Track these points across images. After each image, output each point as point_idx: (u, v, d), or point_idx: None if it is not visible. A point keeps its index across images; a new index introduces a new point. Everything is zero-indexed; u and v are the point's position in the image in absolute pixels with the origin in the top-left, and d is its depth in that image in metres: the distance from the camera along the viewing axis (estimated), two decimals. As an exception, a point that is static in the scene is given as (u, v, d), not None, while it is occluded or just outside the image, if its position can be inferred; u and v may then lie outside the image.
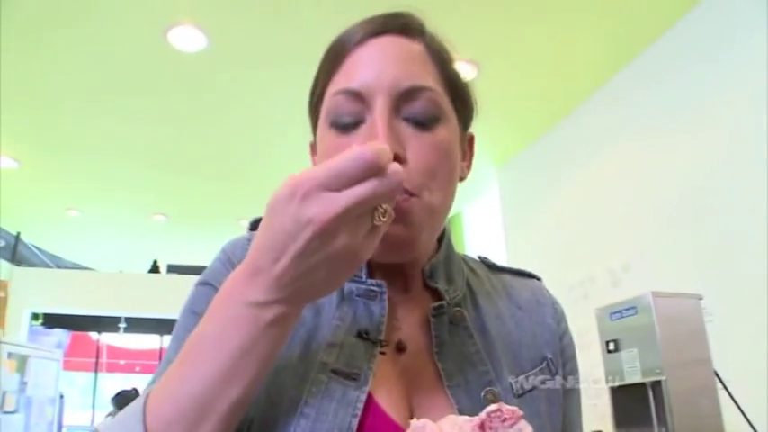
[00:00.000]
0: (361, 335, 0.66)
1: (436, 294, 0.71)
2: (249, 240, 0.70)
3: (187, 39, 3.14)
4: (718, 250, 2.90)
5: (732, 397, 2.09)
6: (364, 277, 0.68)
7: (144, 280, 7.02)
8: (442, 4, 2.96)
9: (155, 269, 7.28)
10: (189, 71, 3.48)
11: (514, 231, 4.73)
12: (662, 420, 1.91)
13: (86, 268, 7.70)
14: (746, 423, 2.12)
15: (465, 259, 0.81)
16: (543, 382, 0.71)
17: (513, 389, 0.68)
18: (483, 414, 0.51)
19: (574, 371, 0.78)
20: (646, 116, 3.44)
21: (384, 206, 0.50)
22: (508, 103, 3.93)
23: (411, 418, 0.63)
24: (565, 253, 4.05)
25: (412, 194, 0.61)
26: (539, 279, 0.85)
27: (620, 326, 2.12)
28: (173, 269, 7.23)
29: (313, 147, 0.74)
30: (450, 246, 0.76)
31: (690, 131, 3.13)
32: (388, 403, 0.63)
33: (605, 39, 3.32)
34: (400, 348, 0.68)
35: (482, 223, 5.76)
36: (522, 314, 0.77)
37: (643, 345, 2.02)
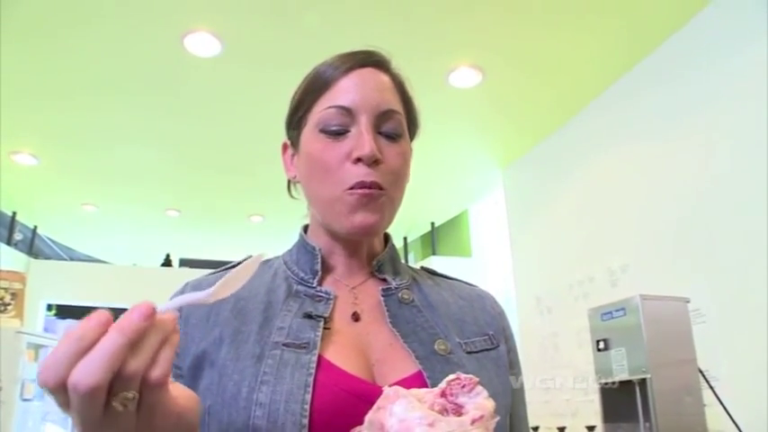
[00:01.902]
0: (308, 315, 0.78)
1: (385, 282, 0.86)
2: (184, 290, 0.84)
3: (202, 45, 3.26)
4: (713, 254, 2.96)
5: (716, 395, 2.18)
6: (315, 284, 0.83)
7: (156, 273, 7.12)
8: (446, 9, 3.05)
9: (167, 263, 7.40)
10: (204, 75, 3.60)
11: (518, 230, 4.81)
12: (647, 416, 2.02)
13: (100, 261, 7.83)
14: (731, 421, 2.21)
15: (409, 266, 0.96)
16: (487, 349, 0.84)
17: (462, 347, 0.81)
18: (443, 383, 0.53)
19: (516, 363, 0.91)
20: (648, 121, 3.50)
21: (122, 397, 0.46)
22: (513, 105, 4.01)
23: (371, 370, 0.75)
24: (566, 253, 4.13)
25: (381, 189, 0.79)
26: (477, 286, 0.99)
27: (610, 326, 2.21)
28: (184, 263, 7.34)
29: (285, 146, 0.92)
30: (394, 249, 0.92)
31: (692, 136, 3.18)
32: (344, 362, 0.74)
33: (610, 43, 3.38)
34: (356, 319, 0.81)
35: (487, 222, 5.83)
36: (464, 302, 0.91)
37: (631, 344, 2.12)
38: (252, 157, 4.81)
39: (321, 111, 0.82)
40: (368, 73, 0.84)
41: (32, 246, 6.50)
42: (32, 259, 6.32)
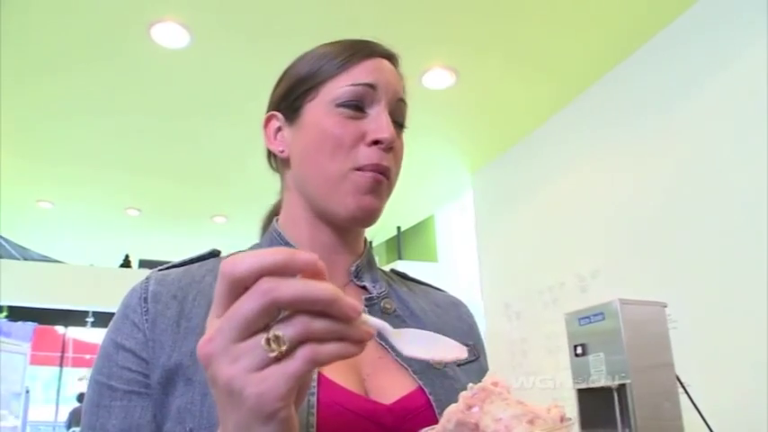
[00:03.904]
0: None
1: (365, 290, 0.83)
2: (147, 284, 0.75)
3: (170, 36, 3.15)
4: (681, 260, 2.99)
5: (692, 401, 2.17)
6: None
7: (114, 274, 6.96)
8: (423, 12, 3.02)
9: (126, 264, 7.23)
10: (170, 67, 3.49)
11: (487, 236, 4.80)
12: (626, 422, 1.99)
13: (55, 261, 7.60)
14: (705, 426, 2.21)
15: (381, 269, 0.93)
16: (471, 361, 0.85)
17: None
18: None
19: (486, 367, 0.91)
20: (617, 129, 3.52)
21: (274, 332, 0.42)
22: (485, 109, 3.99)
23: (363, 384, 0.71)
24: (536, 259, 4.12)
25: (387, 177, 0.78)
26: (447, 292, 0.99)
27: (588, 331, 2.18)
28: (144, 264, 7.19)
29: (271, 118, 0.86)
30: (371, 253, 0.90)
31: (658, 145, 3.22)
32: (340, 377, 0.69)
33: (583, 50, 3.39)
34: None
35: (454, 227, 5.82)
36: (441, 311, 0.90)
37: (609, 349, 2.09)
38: (217, 156, 4.71)
39: (342, 86, 0.79)
40: (387, 63, 0.84)
41: (-17, 244, 6.28)
42: (-17, 258, 6.10)
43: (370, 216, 0.79)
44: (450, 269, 5.80)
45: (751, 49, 2.74)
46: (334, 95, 0.78)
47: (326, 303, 0.42)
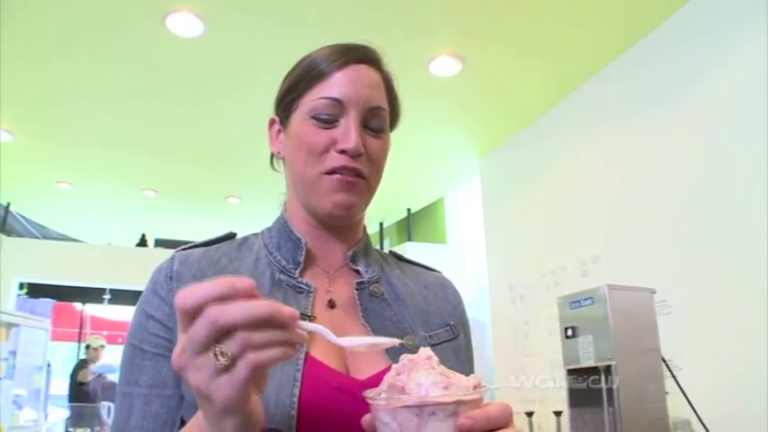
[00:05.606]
0: None
1: (358, 273, 0.92)
2: (172, 263, 0.87)
3: (184, 25, 3.24)
4: (681, 248, 3.05)
5: (678, 383, 2.26)
6: (297, 274, 0.88)
7: (131, 253, 7.11)
8: (430, 1, 3.08)
9: (142, 243, 7.37)
10: (185, 56, 3.59)
11: (493, 219, 4.88)
12: (611, 402, 2.09)
13: (74, 240, 7.76)
14: (691, 408, 2.30)
15: (378, 251, 1.02)
16: (448, 340, 0.92)
17: (426, 340, 0.88)
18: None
19: (469, 347, 0.99)
20: (620, 118, 3.58)
21: (220, 347, 0.51)
22: (492, 96, 4.05)
23: (345, 362, 0.81)
24: (539, 243, 4.20)
25: (363, 177, 0.86)
26: (439, 272, 1.06)
27: (579, 314, 2.28)
28: (160, 243, 7.33)
29: (273, 121, 0.96)
30: (367, 239, 0.98)
31: (661, 134, 3.27)
32: (325, 357, 0.80)
33: (587, 39, 3.43)
34: (332, 306, 0.88)
35: (463, 209, 5.89)
36: (428, 292, 0.98)
37: (597, 332, 2.18)
38: (230, 139, 4.81)
39: (314, 99, 0.86)
40: (362, 70, 0.88)
41: (5, 223, 6.42)
42: (4, 237, 6.25)
43: (346, 212, 0.87)
44: (458, 251, 5.87)
45: (758, 40, 2.77)
46: (309, 107, 0.86)
47: (265, 319, 0.51)
